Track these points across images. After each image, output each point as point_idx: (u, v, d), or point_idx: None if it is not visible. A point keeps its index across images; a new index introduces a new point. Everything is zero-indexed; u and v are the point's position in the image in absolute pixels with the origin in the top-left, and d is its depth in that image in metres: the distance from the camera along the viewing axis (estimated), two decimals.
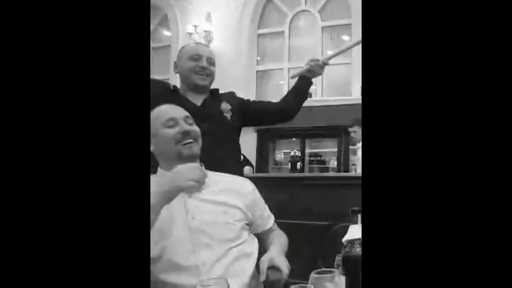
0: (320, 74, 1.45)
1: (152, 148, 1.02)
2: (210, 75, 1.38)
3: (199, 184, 0.90)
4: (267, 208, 1.13)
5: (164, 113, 1.04)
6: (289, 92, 1.48)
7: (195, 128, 1.04)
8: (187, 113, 1.06)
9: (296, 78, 1.48)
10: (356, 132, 3.29)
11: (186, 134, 1.00)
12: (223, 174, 1.11)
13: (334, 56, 1.52)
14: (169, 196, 0.89)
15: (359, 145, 3.33)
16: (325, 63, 1.43)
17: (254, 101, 1.55)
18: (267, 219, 1.12)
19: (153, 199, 0.84)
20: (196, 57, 1.35)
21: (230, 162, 1.31)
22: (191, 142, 1.01)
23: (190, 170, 0.90)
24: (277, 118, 1.50)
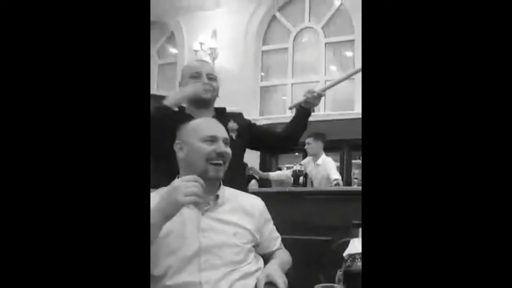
0: (316, 104, 1.50)
1: (180, 155, 1.03)
2: (213, 90, 1.40)
3: (198, 198, 0.87)
4: (275, 229, 1.12)
5: (206, 127, 1.03)
6: (289, 123, 1.52)
7: (229, 150, 1.03)
8: (227, 135, 1.06)
9: (295, 109, 1.53)
10: (310, 144, 3.12)
11: (220, 155, 1.00)
12: (238, 191, 1.09)
13: (329, 87, 1.59)
14: (167, 213, 0.86)
15: (321, 158, 3.23)
16: (321, 95, 1.47)
17: (259, 126, 1.57)
18: (274, 240, 1.10)
19: (152, 217, 0.83)
20: (196, 75, 1.36)
21: (235, 180, 1.32)
22: (221, 165, 1.00)
23: (187, 184, 0.87)
24: (278, 146, 1.57)
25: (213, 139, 1.00)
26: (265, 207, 1.10)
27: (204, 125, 1.04)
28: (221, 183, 1.05)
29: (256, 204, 1.08)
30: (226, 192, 1.04)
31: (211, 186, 0.99)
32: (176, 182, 0.89)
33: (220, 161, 1.00)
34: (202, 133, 1.01)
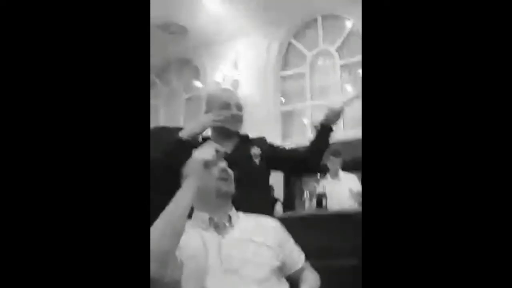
0: (336, 121, 1.49)
1: None
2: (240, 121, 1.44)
3: (213, 160, 1.00)
4: (297, 247, 1.14)
5: (203, 155, 1.11)
6: (312, 142, 1.51)
7: (230, 170, 1.12)
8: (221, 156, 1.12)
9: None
10: (333, 161, 3.20)
11: (224, 171, 1.09)
12: (250, 214, 1.13)
13: (348, 103, 1.58)
14: (194, 182, 0.96)
15: (340, 177, 3.21)
16: (340, 111, 1.47)
17: (283, 148, 1.58)
18: (298, 257, 1.13)
19: (188, 187, 0.95)
20: (225, 106, 1.41)
21: (261, 205, 1.32)
22: (227, 179, 1.09)
23: (204, 150, 1.02)
24: (302, 168, 1.54)
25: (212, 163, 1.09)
26: (280, 225, 1.13)
27: (199, 154, 1.12)
28: (232, 206, 1.10)
29: (271, 222, 1.13)
30: (237, 213, 1.10)
31: (224, 207, 1.07)
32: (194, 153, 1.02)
33: (226, 176, 1.09)
34: (201, 161, 1.08)
